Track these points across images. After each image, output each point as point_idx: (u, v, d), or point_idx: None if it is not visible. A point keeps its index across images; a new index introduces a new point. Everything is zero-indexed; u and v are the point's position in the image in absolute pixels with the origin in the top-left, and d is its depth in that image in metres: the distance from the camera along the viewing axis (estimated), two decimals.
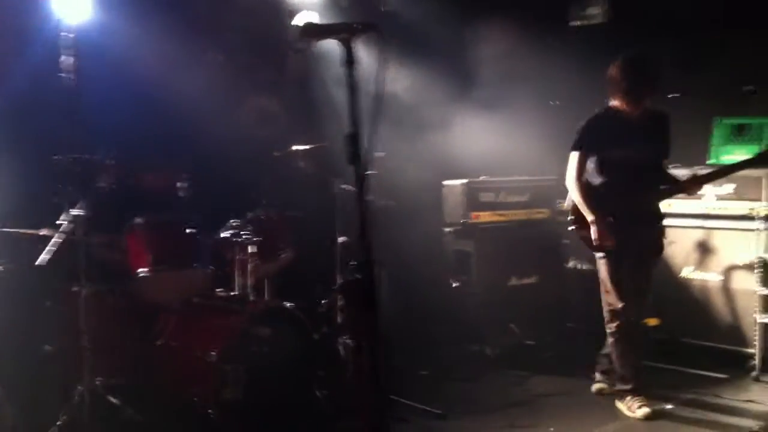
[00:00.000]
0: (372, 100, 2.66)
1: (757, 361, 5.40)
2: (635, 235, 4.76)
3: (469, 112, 6.38)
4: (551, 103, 6.50)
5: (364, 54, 2.79)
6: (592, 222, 4.77)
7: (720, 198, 5.67)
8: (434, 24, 6.29)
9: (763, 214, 5.44)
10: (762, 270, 5.41)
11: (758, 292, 5.42)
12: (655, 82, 4.72)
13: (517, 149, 6.30)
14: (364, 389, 2.81)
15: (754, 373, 5.38)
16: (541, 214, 6.47)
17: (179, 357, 4.48)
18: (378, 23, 2.61)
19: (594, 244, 4.79)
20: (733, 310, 5.65)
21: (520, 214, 6.41)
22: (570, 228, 5.00)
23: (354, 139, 2.63)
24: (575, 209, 4.93)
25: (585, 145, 4.81)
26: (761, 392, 5.10)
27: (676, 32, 5.91)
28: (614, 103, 4.82)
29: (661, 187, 4.89)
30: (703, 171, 5.71)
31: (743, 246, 5.56)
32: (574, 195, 4.88)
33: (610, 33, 6.38)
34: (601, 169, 4.82)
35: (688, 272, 5.84)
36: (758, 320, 5.42)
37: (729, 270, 5.67)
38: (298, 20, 5.67)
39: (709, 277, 5.74)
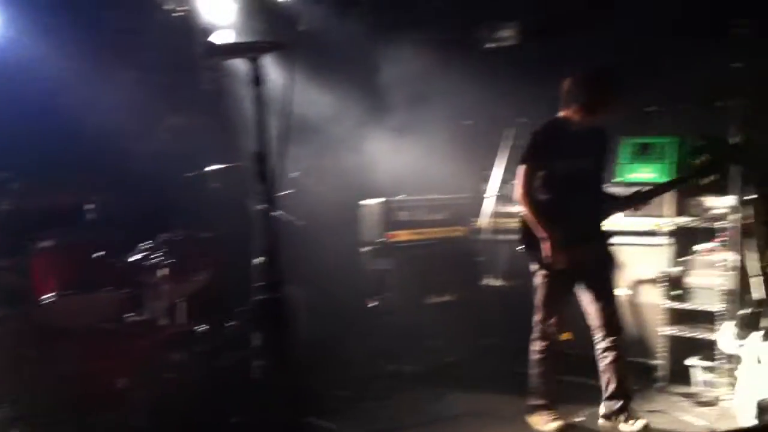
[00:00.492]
0: (280, 119, 2.66)
1: (663, 373, 5.59)
2: (587, 252, 4.69)
3: (384, 132, 6.44)
4: (466, 122, 6.61)
5: (276, 73, 2.79)
6: (544, 239, 4.61)
7: (626, 215, 5.87)
8: (350, 45, 6.34)
9: (666, 230, 5.66)
10: (666, 284, 5.62)
11: (662, 305, 5.62)
12: (614, 98, 4.69)
13: (433, 168, 6.39)
14: (277, 412, 2.78)
15: (660, 384, 5.56)
16: (457, 231, 6.56)
17: (86, 384, 4.35)
18: (284, 42, 2.62)
19: (544, 262, 4.66)
20: (640, 324, 5.83)
21: (437, 233, 6.48)
22: (519, 247, 4.86)
23: (261, 157, 2.63)
24: (524, 225, 4.77)
25: (532, 158, 4.66)
26: (667, 402, 5.26)
27: (581, 56, 6.10)
28: (563, 114, 4.72)
29: (609, 202, 4.89)
30: (611, 189, 5.95)
31: (649, 261, 5.77)
32: (524, 210, 4.70)
33: (519, 55, 6.54)
34: (549, 183, 4.68)
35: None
36: (663, 333, 5.61)
37: (636, 284, 5.86)
38: (214, 39, 5.64)
39: (618, 291, 5.92)
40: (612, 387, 4.79)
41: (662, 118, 6.08)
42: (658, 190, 4.90)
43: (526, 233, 4.73)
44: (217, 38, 5.56)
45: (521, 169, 4.67)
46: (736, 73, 5.24)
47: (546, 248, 4.61)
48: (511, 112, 6.35)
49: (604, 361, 4.80)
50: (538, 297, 4.81)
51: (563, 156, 4.63)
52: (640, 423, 4.71)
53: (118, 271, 4.79)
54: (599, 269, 4.81)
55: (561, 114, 4.74)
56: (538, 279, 4.79)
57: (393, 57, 6.37)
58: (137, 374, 4.20)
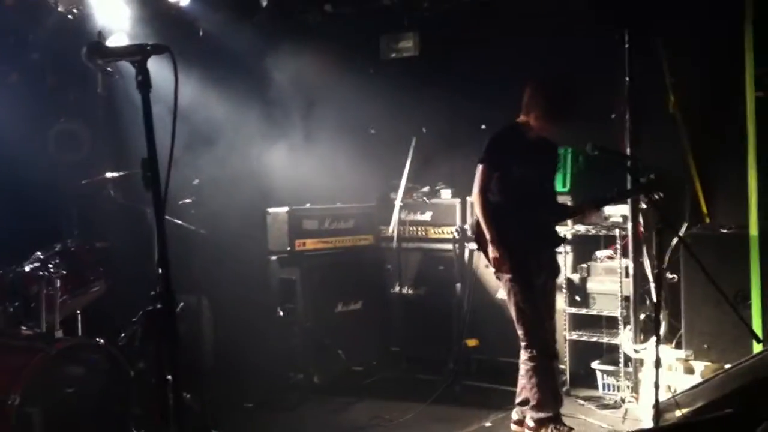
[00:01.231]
0: (172, 125, 2.58)
1: (567, 376, 5.69)
2: (540, 257, 4.69)
3: (290, 140, 6.39)
4: (370, 131, 6.61)
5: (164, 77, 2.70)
6: (491, 241, 4.55)
7: (575, 222, 5.96)
8: (251, 52, 6.27)
9: (568, 237, 5.77)
10: (568, 289, 5.73)
11: (565, 310, 5.73)
12: (576, 107, 4.70)
13: (339, 176, 6.38)
14: (168, 426, 2.67)
15: (564, 388, 5.62)
16: (365, 240, 6.55)
17: None
18: (169, 45, 2.53)
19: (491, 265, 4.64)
20: None
21: (345, 241, 6.45)
22: (473, 247, 4.90)
23: (150, 163, 2.54)
24: (477, 226, 4.70)
25: (489, 159, 4.60)
26: (571, 406, 5.33)
27: (479, 64, 6.21)
28: (521, 120, 4.68)
29: (560, 209, 4.92)
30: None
31: None
32: (477, 210, 4.63)
33: (420, 65, 6.60)
34: (504, 186, 4.63)
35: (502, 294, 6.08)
36: (567, 337, 5.72)
37: None
38: (110, 42, 5.47)
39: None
40: (524, 394, 4.71)
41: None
42: (607, 199, 4.81)
43: (479, 234, 4.67)
44: (113, 41, 5.40)
45: (479, 169, 4.62)
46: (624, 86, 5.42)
47: (492, 251, 4.56)
48: (416, 121, 6.42)
49: (525, 367, 4.64)
50: (511, 305, 4.62)
51: (518, 161, 4.61)
52: None
53: (10, 281, 4.55)
54: (546, 278, 4.75)
55: (520, 119, 4.69)
56: (507, 286, 4.62)
57: (293, 64, 6.31)
58: (31, 390, 3.99)
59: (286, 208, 6.09)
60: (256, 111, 6.31)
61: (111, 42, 5.28)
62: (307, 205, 6.28)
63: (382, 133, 6.53)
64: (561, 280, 5.58)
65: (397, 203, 6.36)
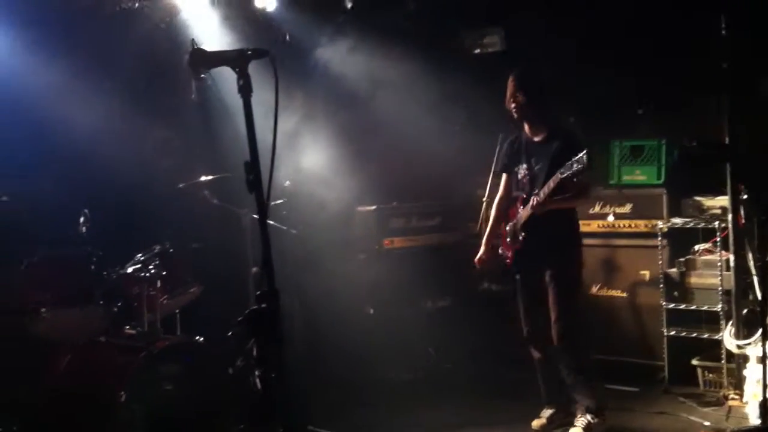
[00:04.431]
0: (272, 127, 2.61)
1: (666, 373, 5.54)
2: (526, 256, 4.80)
3: (376, 139, 6.40)
4: (454, 127, 6.57)
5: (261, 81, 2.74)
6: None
7: (618, 216, 5.84)
8: (336, 54, 6.32)
9: (665, 230, 5.63)
10: (665, 285, 5.57)
11: (663, 306, 5.57)
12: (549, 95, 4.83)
13: (424, 174, 6.36)
14: (274, 422, 2.72)
15: (663, 385, 5.51)
16: (452, 237, 6.52)
17: (84, 398, 4.29)
18: (269, 49, 2.56)
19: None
20: (641, 325, 5.80)
21: (432, 238, 6.45)
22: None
23: (252, 166, 2.57)
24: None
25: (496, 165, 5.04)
26: (671, 403, 5.22)
27: (569, 58, 6.09)
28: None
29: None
30: (605, 191, 5.92)
31: (646, 262, 5.73)
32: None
33: (506, 60, 6.52)
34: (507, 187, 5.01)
35: (595, 289, 5.97)
36: (665, 333, 5.57)
37: (634, 286, 5.82)
38: (201, 47, 5.59)
39: (616, 293, 5.90)
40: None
41: (650, 120, 6.05)
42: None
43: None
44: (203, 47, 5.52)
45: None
46: (718, 72, 5.23)
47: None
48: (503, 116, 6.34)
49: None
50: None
51: (512, 162, 4.91)
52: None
53: (112, 283, 4.71)
54: (542, 275, 4.77)
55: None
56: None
57: (376, 64, 6.32)
58: (134, 388, 4.13)
59: (373, 207, 6.13)
60: (342, 112, 6.35)
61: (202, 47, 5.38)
62: (394, 203, 6.29)
63: (467, 130, 6.47)
64: (658, 275, 5.45)
65: (485, 200, 6.30)
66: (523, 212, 4.74)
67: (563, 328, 4.68)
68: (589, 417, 4.69)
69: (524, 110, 4.71)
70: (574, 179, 4.44)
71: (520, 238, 4.80)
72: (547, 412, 4.90)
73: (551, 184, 4.55)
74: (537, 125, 4.77)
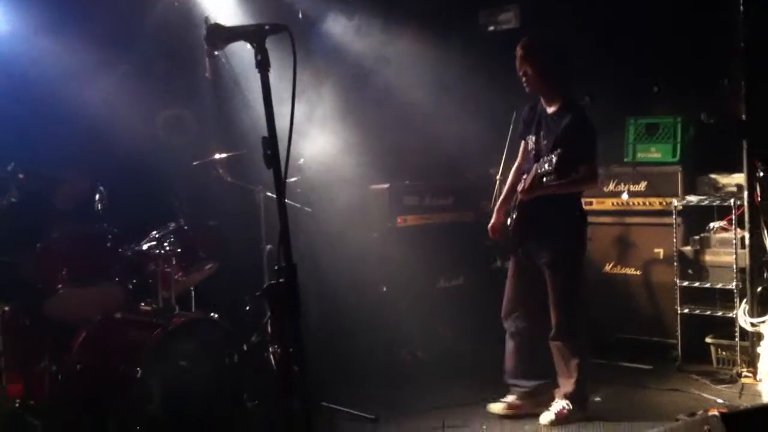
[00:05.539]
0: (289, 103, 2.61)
1: (679, 351, 5.54)
2: (525, 239, 4.68)
3: (390, 117, 6.39)
4: (471, 110, 6.54)
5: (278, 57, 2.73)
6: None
7: (633, 194, 5.83)
8: (347, 32, 6.29)
9: (679, 208, 5.61)
10: (680, 263, 5.56)
11: (677, 284, 5.56)
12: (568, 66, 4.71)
13: (438, 153, 6.33)
14: (292, 397, 2.74)
15: (677, 363, 5.52)
16: (465, 216, 6.51)
17: (100, 374, 4.34)
18: (287, 24, 2.56)
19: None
20: (654, 303, 5.79)
21: (445, 217, 6.44)
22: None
23: (270, 142, 2.58)
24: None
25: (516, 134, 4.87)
26: (684, 381, 5.23)
27: (585, 36, 6.05)
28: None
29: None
30: (620, 169, 5.90)
31: (661, 240, 5.72)
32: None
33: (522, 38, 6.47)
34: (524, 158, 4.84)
35: (609, 267, 5.97)
36: (679, 311, 5.56)
37: (648, 264, 5.82)
38: (218, 22, 5.58)
39: (630, 271, 5.89)
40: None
41: (666, 98, 6.02)
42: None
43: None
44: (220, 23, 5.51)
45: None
46: (738, 52, 5.19)
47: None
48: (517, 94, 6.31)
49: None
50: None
51: (526, 131, 4.75)
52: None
53: (129, 260, 4.74)
54: (536, 262, 4.65)
55: None
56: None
57: (400, 44, 6.27)
58: (151, 363, 4.16)
59: (387, 185, 6.13)
60: (355, 90, 6.33)
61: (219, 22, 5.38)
62: (407, 182, 6.29)
63: (481, 108, 6.45)
64: (672, 253, 5.44)
65: (498, 178, 6.29)
66: (519, 194, 4.62)
67: (558, 324, 4.58)
68: (564, 403, 4.57)
69: (533, 83, 4.56)
70: (543, 179, 4.36)
71: (509, 221, 4.72)
72: (509, 397, 4.82)
73: (528, 179, 4.48)
74: (550, 96, 4.61)
